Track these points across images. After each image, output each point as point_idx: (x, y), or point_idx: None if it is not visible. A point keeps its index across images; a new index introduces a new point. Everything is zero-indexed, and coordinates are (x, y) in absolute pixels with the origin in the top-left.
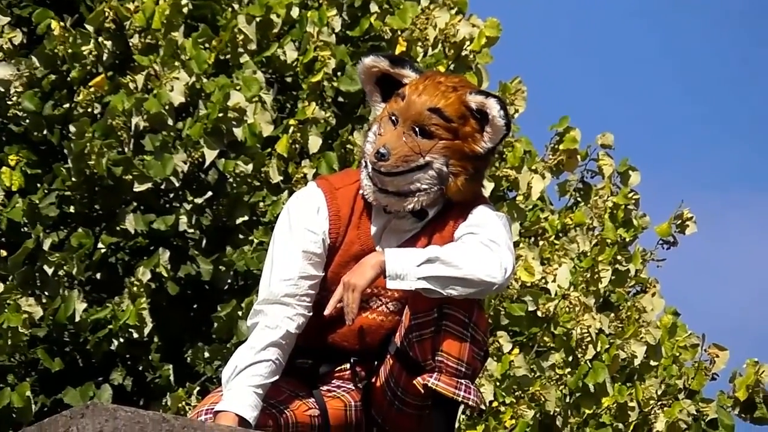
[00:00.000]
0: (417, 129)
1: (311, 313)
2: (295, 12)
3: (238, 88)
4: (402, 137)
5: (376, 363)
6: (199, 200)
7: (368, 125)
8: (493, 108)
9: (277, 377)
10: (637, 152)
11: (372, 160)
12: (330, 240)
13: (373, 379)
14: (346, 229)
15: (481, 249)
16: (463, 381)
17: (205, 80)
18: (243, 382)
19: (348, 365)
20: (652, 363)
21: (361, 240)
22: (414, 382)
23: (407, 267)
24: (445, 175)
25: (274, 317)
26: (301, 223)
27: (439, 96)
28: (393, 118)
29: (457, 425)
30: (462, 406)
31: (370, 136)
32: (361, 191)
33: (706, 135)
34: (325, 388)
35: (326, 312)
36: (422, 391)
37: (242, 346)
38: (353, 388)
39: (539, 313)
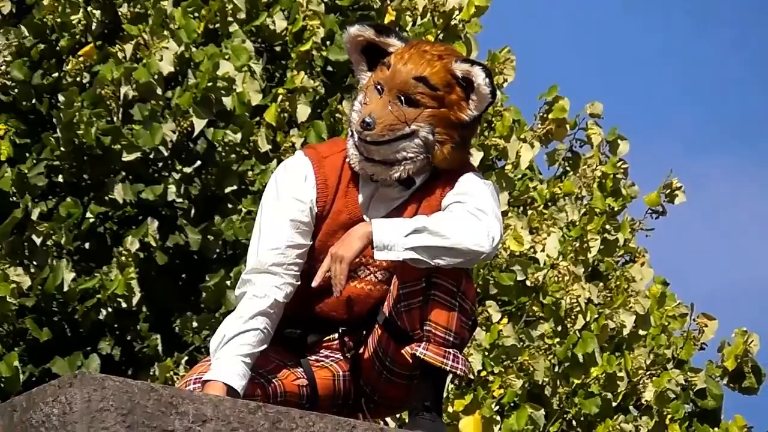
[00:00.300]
0: (402, 98)
1: (299, 282)
2: None
3: (227, 57)
4: (387, 106)
5: (364, 333)
6: (187, 169)
7: (355, 94)
8: (479, 76)
9: (265, 346)
10: (626, 121)
11: (358, 129)
12: (318, 209)
13: (362, 349)
14: (333, 198)
15: (468, 218)
16: (451, 350)
17: (194, 49)
18: (231, 351)
19: (336, 335)
20: (641, 333)
21: (349, 209)
22: (402, 351)
23: (394, 237)
24: (432, 144)
25: (262, 286)
26: (289, 192)
27: (424, 64)
28: (378, 87)
29: (445, 395)
30: (450, 376)
31: (356, 105)
32: (347, 160)
33: (696, 102)
34: (313, 357)
35: (314, 283)
36: (410, 360)
37: (230, 316)
38: (341, 357)
39: (528, 283)
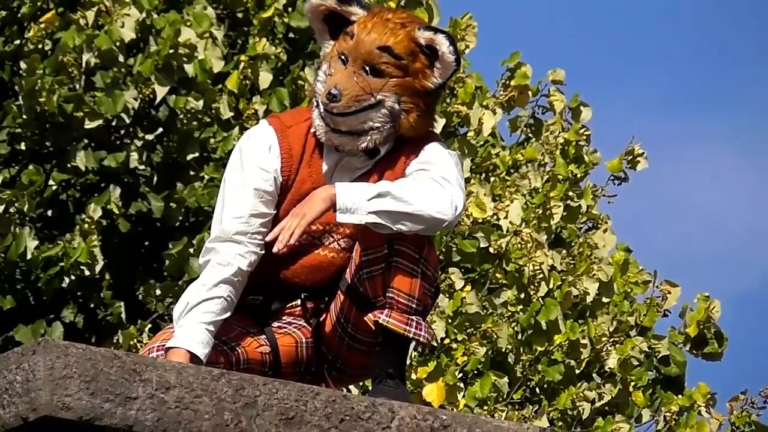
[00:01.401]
0: (367, 68)
1: (263, 251)
2: None
3: (188, 24)
4: (353, 77)
5: (327, 299)
6: (149, 137)
7: (317, 63)
8: (443, 44)
9: (228, 314)
10: (588, 87)
11: (324, 101)
12: (282, 178)
13: (324, 316)
14: (298, 167)
15: (432, 185)
16: (413, 317)
17: (155, 16)
18: (194, 318)
19: (299, 302)
20: (604, 300)
21: (313, 178)
22: (365, 318)
23: (358, 201)
24: (398, 113)
25: (225, 254)
26: (253, 161)
27: (388, 34)
28: (342, 57)
29: (409, 362)
30: (413, 343)
31: (320, 75)
32: (312, 129)
33: (658, 60)
34: (276, 325)
35: (268, 238)
36: (373, 327)
37: (194, 283)
38: (304, 324)
39: (491, 250)
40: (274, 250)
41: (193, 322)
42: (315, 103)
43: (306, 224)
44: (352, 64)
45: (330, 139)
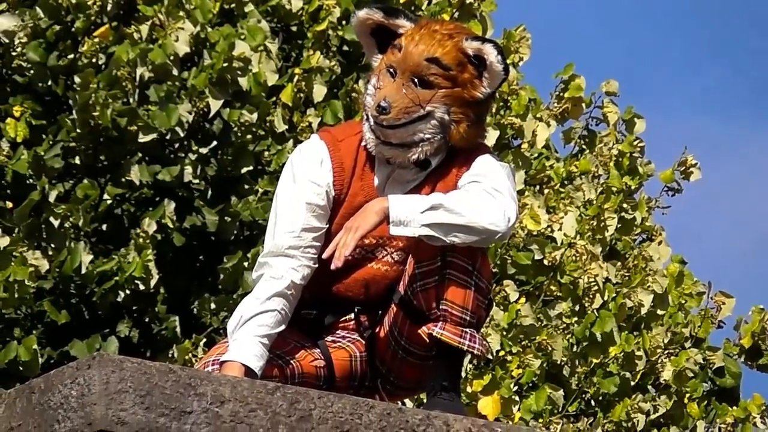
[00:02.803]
0: (416, 80)
1: (316, 265)
2: None
3: (242, 37)
4: (402, 89)
5: (380, 313)
6: (204, 150)
7: (366, 77)
8: (491, 53)
9: (282, 328)
10: (642, 100)
11: (373, 114)
12: (334, 192)
13: (377, 329)
14: (350, 181)
15: (484, 197)
16: (467, 330)
17: (209, 30)
18: (249, 332)
19: (352, 315)
20: (659, 312)
21: (365, 191)
22: (419, 331)
23: (411, 213)
24: (447, 123)
25: (278, 268)
26: (305, 176)
27: (435, 45)
28: (391, 70)
29: (464, 375)
30: (468, 356)
31: (369, 88)
32: (363, 143)
33: (712, 71)
34: (330, 339)
35: (325, 255)
36: (427, 340)
37: (247, 297)
38: (358, 338)
39: (546, 262)
40: (332, 267)
41: (247, 336)
42: (365, 117)
43: (360, 237)
44: (401, 77)
45: (381, 151)
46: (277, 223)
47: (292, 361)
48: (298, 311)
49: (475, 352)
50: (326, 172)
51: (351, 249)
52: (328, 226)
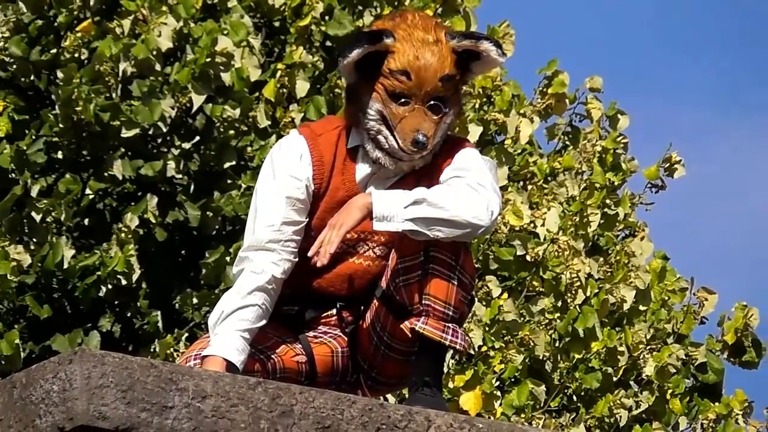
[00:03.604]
0: (434, 102)
1: (297, 259)
2: None
3: (225, 32)
4: (427, 118)
5: (362, 308)
6: (186, 145)
7: (351, 97)
8: (491, 50)
9: (264, 322)
10: (626, 95)
11: (410, 148)
12: (314, 186)
13: (359, 325)
14: (330, 175)
15: (467, 191)
16: (450, 325)
17: (192, 25)
18: (230, 326)
19: (334, 311)
20: (642, 307)
21: (346, 186)
22: (401, 326)
23: (394, 208)
24: (452, 125)
25: (259, 263)
26: (284, 170)
27: (438, 59)
28: (404, 99)
29: (446, 370)
30: (450, 351)
31: (371, 113)
32: (348, 144)
33: (691, 60)
34: (311, 334)
35: (310, 253)
36: (409, 335)
37: (228, 292)
38: (340, 333)
39: (528, 258)
40: (318, 264)
41: (228, 330)
42: (368, 136)
43: (344, 233)
44: (419, 102)
45: (396, 166)
46: (257, 217)
47: (273, 356)
48: (279, 307)
49: (457, 347)
50: (306, 166)
51: (336, 246)
52: (308, 220)
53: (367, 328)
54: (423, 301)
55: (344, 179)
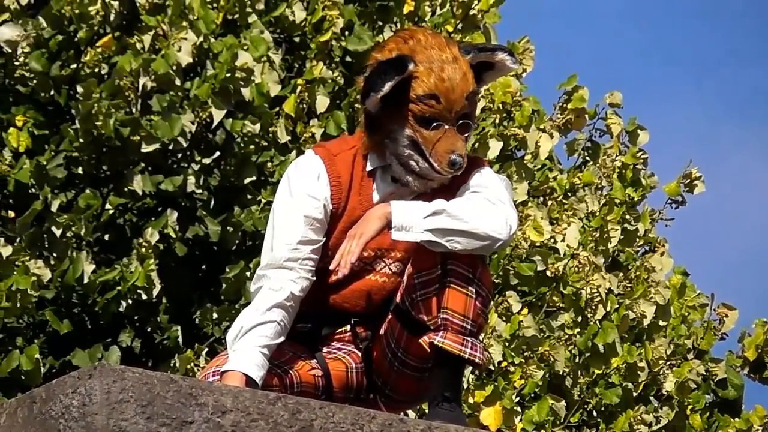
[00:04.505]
0: (463, 121)
1: (314, 278)
2: None
3: (245, 48)
4: (459, 138)
5: (376, 324)
6: (206, 160)
7: (372, 124)
8: (507, 60)
9: (282, 339)
10: (646, 111)
11: (446, 169)
12: (332, 206)
13: (374, 341)
14: (347, 195)
15: (487, 205)
16: (469, 338)
17: (212, 40)
18: (249, 342)
19: (348, 327)
20: (662, 323)
21: (364, 206)
22: (420, 341)
23: (413, 218)
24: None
25: (277, 280)
26: (302, 189)
27: (461, 77)
28: (435, 123)
29: (465, 385)
30: (469, 366)
31: (402, 140)
32: (368, 167)
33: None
34: (326, 350)
35: (332, 266)
36: (428, 349)
37: (247, 308)
38: (354, 349)
39: (548, 273)
40: (339, 275)
41: (248, 346)
42: (398, 161)
43: (365, 243)
44: (450, 123)
45: (429, 185)
46: (275, 236)
47: (290, 371)
48: (294, 324)
49: (477, 360)
50: (323, 186)
51: (357, 256)
52: (325, 239)
53: (381, 345)
54: (441, 315)
55: (361, 199)
